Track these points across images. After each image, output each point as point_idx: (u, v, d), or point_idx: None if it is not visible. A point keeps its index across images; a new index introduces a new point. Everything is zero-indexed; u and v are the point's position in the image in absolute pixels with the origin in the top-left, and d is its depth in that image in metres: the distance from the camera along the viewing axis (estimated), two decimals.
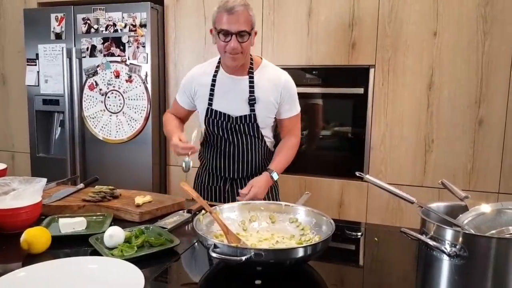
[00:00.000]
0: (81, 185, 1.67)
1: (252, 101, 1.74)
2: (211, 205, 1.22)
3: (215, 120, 1.78)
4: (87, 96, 2.86)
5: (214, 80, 1.79)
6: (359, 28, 2.41)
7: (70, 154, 2.91)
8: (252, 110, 1.74)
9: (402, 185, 2.43)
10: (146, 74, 2.70)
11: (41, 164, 3.07)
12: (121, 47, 2.73)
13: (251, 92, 1.74)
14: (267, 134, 1.85)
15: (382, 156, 2.46)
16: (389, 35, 2.36)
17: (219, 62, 1.81)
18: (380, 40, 2.38)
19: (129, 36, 2.71)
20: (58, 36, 2.89)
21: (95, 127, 2.87)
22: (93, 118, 2.87)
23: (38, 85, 3.00)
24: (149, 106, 2.72)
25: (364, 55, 2.42)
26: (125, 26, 2.71)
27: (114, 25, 2.74)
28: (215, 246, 0.96)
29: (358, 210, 2.52)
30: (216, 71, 1.80)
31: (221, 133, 1.80)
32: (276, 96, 1.76)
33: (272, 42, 2.60)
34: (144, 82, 2.71)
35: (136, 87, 2.73)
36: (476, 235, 0.88)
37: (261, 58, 1.85)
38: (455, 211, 1.02)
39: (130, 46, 2.72)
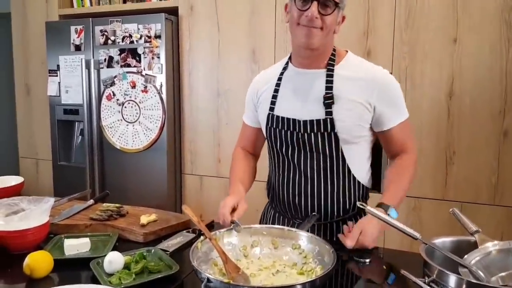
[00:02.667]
0: (91, 201, 1.69)
1: (328, 100, 1.29)
2: None
3: (277, 129, 1.37)
4: (105, 106, 2.91)
5: (280, 79, 1.40)
6: (374, 36, 2.34)
7: (89, 162, 2.97)
8: (329, 113, 1.29)
9: (422, 198, 2.35)
10: (161, 84, 2.72)
11: (62, 171, 3.15)
12: (137, 58, 2.76)
13: (328, 88, 1.30)
14: (354, 155, 1.35)
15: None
16: (406, 42, 2.28)
17: (289, 58, 1.43)
18: (396, 47, 2.30)
19: (144, 47, 2.73)
20: (78, 48, 2.95)
21: (112, 137, 2.91)
22: (110, 127, 2.91)
23: (59, 95, 3.07)
24: (164, 115, 2.74)
25: (379, 63, 2.29)
26: (140, 37, 2.74)
27: (130, 36, 2.77)
28: (208, 281, 0.94)
29: None
30: (285, 68, 1.42)
31: (284, 151, 1.38)
32: (368, 96, 1.29)
33: (286, 50, 2.55)
34: (159, 92, 2.73)
35: (151, 97, 2.76)
36: (480, 284, 0.81)
37: (347, 51, 1.40)
38: (462, 248, 0.96)
39: (145, 57, 2.74)
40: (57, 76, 3.07)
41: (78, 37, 2.94)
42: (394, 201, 1.29)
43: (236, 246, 1.24)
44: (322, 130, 1.31)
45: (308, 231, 1.27)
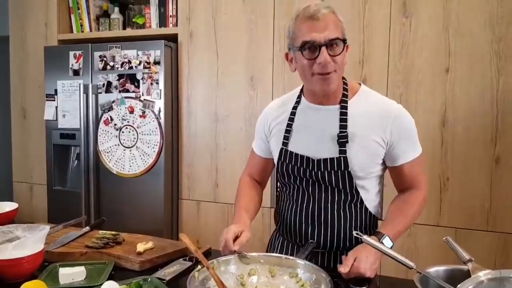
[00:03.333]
0: (87, 228, 1.68)
1: (342, 139, 1.28)
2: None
3: (290, 165, 1.37)
4: (102, 130, 2.92)
5: (293, 114, 1.39)
6: (369, 65, 2.39)
7: (85, 187, 2.96)
8: (343, 152, 1.29)
9: (417, 224, 2.35)
10: (160, 109, 2.74)
11: (57, 196, 3.13)
12: (136, 84, 2.79)
13: (343, 126, 1.29)
14: (367, 189, 1.37)
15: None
16: (400, 71, 2.33)
17: (301, 91, 1.42)
18: (391, 76, 2.36)
19: (143, 73, 2.77)
20: (76, 73, 2.98)
21: (109, 161, 2.92)
22: (107, 152, 2.92)
23: (56, 120, 3.08)
24: (162, 141, 2.75)
25: (375, 91, 2.39)
26: (139, 63, 2.77)
27: (129, 62, 2.80)
28: None
29: None
30: (298, 102, 1.40)
31: (298, 183, 1.39)
32: (382, 133, 1.29)
33: (283, 78, 2.60)
34: (157, 118, 2.75)
35: (149, 122, 2.78)
36: None
37: (360, 84, 1.40)
38: (456, 276, 0.97)
39: (144, 83, 2.77)
40: (54, 100, 3.08)
41: (77, 62, 2.98)
42: (391, 231, 1.28)
43: (234, 275, 1.24)
44: (336, 169, 1.31)
45: (305, 259, 1.27)
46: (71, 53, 2.99)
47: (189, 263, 1.43)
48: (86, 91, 2.91)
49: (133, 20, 3.14)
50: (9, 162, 3.53)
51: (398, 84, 2.34)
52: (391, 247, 1.20)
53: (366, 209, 1.39)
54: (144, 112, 2.78)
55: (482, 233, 2.24)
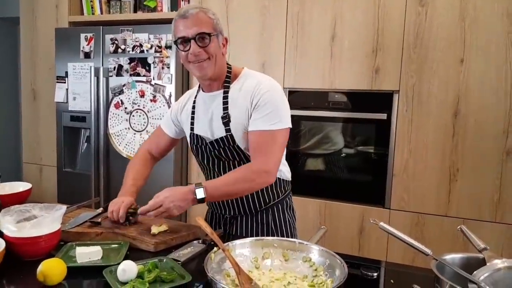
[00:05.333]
0: (100, 210, 1.70)
1: (225, 119, 1.48)
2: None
3: (197, 145, 1.59)
4: (113, 114, 2.93)
5: (194, 102, 1.62)
6: (383, 53, 2.38)
7: (95, 170, 2.98)
8: (228, 130, 1.48)
9: (425, 214, 2.37)
10: (170, 94, 2.75)
11: (67, 178, 3.16)
12: (147, 68, 2.79)
13: (225, 108, 1.49)
14: None
15: (405, 183, 2.41)
16: (414, 61, 2.32)
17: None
18: (404, 65, 2.34)
19: (154, 57, 2.77)
20: (87, 55, 2.98)
21: (119, 145, 2.93)
22: (118, 135, 2.93)
23: (67, 102, 3.09)
24: None
25: (388, 81, 2.39)
26: (151, 47, 2.77)
27: (141, 45, 2.80)
28: None
29: (379, 237, 2.46)
30: (198, 93, 1.63)
31: (205, 161, 1.60)
32: (248, 106, 1.46)
33: (295, 65, 2.60)
34: (168, 102, 2.76)
35: (160, 106, 2.78)
36: None
37: (243, 68, 1.58)
38: (471, 264, 0.98)
39: (155, 67, 2.77)
40: (65, 82, 3.09)
41: (88, 44, 2.98)
42: (209, 185, 1.42)
43: (248, 258, 1.26)
44: (227, 145, 1.51)
45: (317, 243, 1.29)
46: (82, 36, 2.99)
47: (202, 246, 1.45)
48: (97, 74, 2.91)
49: (144, 3, 3.13)
50: (18, 143, 3.56)
51: (411, 74, 2.33)
52: (202, 198, 1.39)
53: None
54: (154, 96, 2.79)
55: (490, 224, 2.25)
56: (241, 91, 1.49)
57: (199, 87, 1.62)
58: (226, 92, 1.51)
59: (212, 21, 1.45)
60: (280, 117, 1.45)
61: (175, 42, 1.46)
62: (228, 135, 1.49)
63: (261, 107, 1.44)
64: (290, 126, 1.49)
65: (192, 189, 1.41)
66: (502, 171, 2.22)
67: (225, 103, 1.50)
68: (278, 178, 1.60)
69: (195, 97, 1.62)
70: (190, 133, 1.61)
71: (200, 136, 1.57)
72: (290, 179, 1.68)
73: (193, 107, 1.61)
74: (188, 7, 1.44)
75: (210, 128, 1.54)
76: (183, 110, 1.67)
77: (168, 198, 1.42)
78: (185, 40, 1.42)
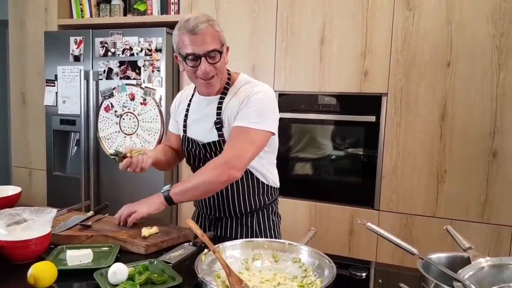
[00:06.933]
0: (91, 213, 1.70)
1: (218, 125, 1.50)
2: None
3: (189, 149, 1.60)
4: (103, 117, 2.93)
5: (189, 105, 1.62)
6: (371, 57, 2.41)
7: (85, 173, 2.97)
8: (221, 135, 1.51)
9: (413, 215, 2.40)
10: (161, 97, 2.75)
11: (57, 182, 3.14)
12: (137, 71, 2.80)
13: (219, 114, 1.51)
14: (252, 164, 1.53)
15: (394, 185, 2.44)
16: (402, 64, 2.35)
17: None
18: (392, 68, 2.38)
19: (144, 60, 2.77)
20: (77, 59, 2.98)
21: (109, 148, 2.93)
22: (108, 139, 2.93)
23: (56, 105, 3.08)
24: (162, 128, 2.76)
25: (376, 83, 2.42)
26: (141, 50, 2.77)
27: (131, 49, 2.80)
28: None
29: (369, 238, 2.49)
30: (193, 95, 1.63)
31: (196, 164, 1.61)
32: (238, 109, 1.48)
33: (285, 68, 2.62)
34: (158, 105, 2.76)
35: (150, 109, 2.78)
36: None
37: (239, 74, 1.60)
38: (457, 263, 1.01)
39: (145, 70, 2.77)
40: (54, 86, 3.08)
41: (77, 47, 2.97)
42: (176, 186, 1.48)
43: (238, 259, 1.27)
44: (218, 149, 1.52)
45: (306, 244, 1.30)
46: (72, 39, 2.98)
47: (193, 248, 1.45)
48: (86, 77, 2.90)
49: (134, 6, 3.13)
50: (7, 147, 3.53)
51: (400, 77, 2.36)
52: (166, 191, 1.47)
53: (255, 177, 1.56)
54: (145, 100, 2.79)
55: (477, 224, 2.29)
56: (236, 96, 1.51)
57: (195, 88, 1.62)
58: (222, 98, 1.52)
59: (219, 34, 1.45)
60: (263, 118, 1.45)
61: (182, 56, 1.44)
62: (221, 140, 1.51)
63: (247, 105, 1.46)
64: (273, 131, 1.50)
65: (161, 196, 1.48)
66: (488, 172, 2.26)
67: (219, 108, 1.52)
68: (267, 184, 1.63)
69: (190, 100, 1.63)
70: (183, 135, 1.63)
71: (192, 139, 1.58)
72: (278, 186, 1.70)
73: (187, 110, 1.62)
74: (197, 21, 1.39)
75: (203, 131, 1.55)
76: (178, 111, 1.69)
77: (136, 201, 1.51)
78: (195, 57, 1.41)
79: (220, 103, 1.52)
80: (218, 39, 1.43)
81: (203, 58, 1.40)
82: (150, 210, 1.49)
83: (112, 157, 1.58)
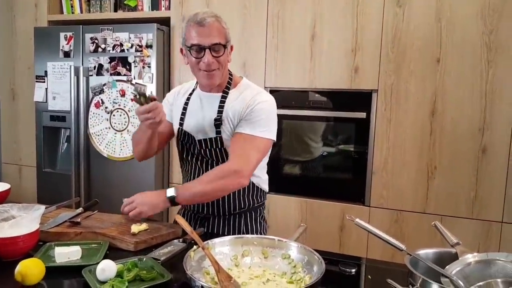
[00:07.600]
0: (80, 209, 1.68)
1: (217, 122, 1.53)
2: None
3: (183, 142, 1.62)
4: (93, 113, 2.91)
5: (188, 99, 1.63)
6: (362, 53, 2.42)
7: (75, 170, 2.95)
8: (219, 133, 1.54)
9: (403, 211, 2.41)
10: (151, 93, 2.73)
11: (47, 178, 3.12)
12: (127, 67, 2.78)
13: (220, 112, 1.54)
14: None
15: (384, 181, 2.45)
16: (392, 60, 2.36)
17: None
18: (383, 65, 2.39)
19: (135, 56, 2.75)
20: (67, 55, 2.95)
21: (100, 144, 2.91)
22: (98, 135, 2.91)
23: (46, 102, 3.05)
24: None
25: (366, 80, 2.43)
26: (131, 46, 2.76)
27: (121, 45, 2.78)
28: None
29: (359, 234, 2.50)
30: (194, 90, 1.65)
31: (189, 158, 1.63)
32: (241, 113, 1.52)
33: (276, 65, 2.62)
34: None
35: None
36: None
37: (242, 78, 1.65)
38: (444, 259, 1.01)
39: (136, 66, 2.76)
40: (44, 82, 3.05)
41: (67, 43, 2.95)
42: (182, 189, 1.49)
43: (227, 256, 1.27)
44: (214, 147, 1.55)
45: (296, 240, 1.31)
46: (62, 35, 2.95)
47: (182, 244, 1.45)
48: (77, 73, 2.88)
49: (125, 2, 3.11)
50: None
51: (390, 73, 2.37)
52: (172, 196, 1.47)
53: (250, 182, 1.56)
54: (135, 96, 2.77)
55: (466, 220, 2.31)
56: (239, 98, 1.54)
57: (196, 83, 1.64)
58: (224, 97, 1.56)
59: (225, 30, 1.49)
60: (267, 127, 1.51)
61: (187, 47, 1.48)
62: (218, 137, 1.54)
63: (253, 113, 1.50)
64: (274, 139, 1.55)
65: (164, 190, 1.49)
66: (478, 169, 2.28)
67: (221, 106, 1.54)
68: (256, 186, 1.65)
69: (191, 93, 1.64)
70: (179, 128, 1.63)
71: (188, 133, 1.59)
72: (267, 190, 1.72)
73: (186, 103, 1.63)
74: (205, 15, 1.45)
75: (200, 126, 1.57)
76: (178, 102, 1.67)
77: (141, 195, 1.52)
78: (199, 48, 1.45)
79: (222, 101, 1.55)
80: (224, 34, 1.48)
81: (207, 50, 1.44)
82: (154, 213, 1.53)
83: (135, 94, 1.43)
